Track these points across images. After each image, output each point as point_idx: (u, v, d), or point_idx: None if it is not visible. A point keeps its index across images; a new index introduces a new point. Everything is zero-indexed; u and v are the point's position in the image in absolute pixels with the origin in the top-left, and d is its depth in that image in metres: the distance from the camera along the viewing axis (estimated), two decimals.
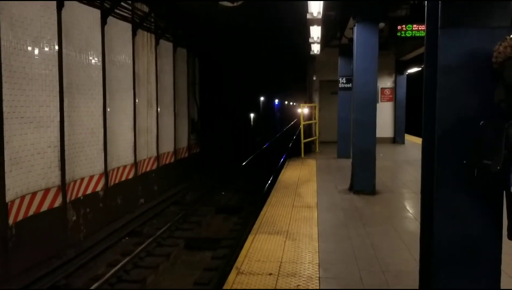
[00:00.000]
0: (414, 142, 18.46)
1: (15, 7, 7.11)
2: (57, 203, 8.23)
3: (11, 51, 7.02)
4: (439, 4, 2.80)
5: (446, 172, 2.78)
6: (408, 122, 18.27)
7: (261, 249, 5.34)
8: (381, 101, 17.69)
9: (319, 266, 4.79)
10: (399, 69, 17.85)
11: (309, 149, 15.43)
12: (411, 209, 7.44)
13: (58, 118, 8.21)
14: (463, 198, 2.78)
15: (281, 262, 4.89)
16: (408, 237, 5.77)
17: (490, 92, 2.65)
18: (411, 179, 10.17)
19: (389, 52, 16.48)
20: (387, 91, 17.91)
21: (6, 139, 6.86)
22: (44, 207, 7.89)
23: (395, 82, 17.98)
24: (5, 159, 6.84)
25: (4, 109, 6.80)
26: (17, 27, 7.18)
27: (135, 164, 11.66)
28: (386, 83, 17.80)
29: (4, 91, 6.80)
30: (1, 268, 6.76)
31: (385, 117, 17.43)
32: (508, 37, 2.59)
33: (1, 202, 6.73)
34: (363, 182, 8.49)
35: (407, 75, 18.24)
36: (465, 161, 2.69)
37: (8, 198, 6.90)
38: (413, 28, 8.21)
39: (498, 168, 2.45)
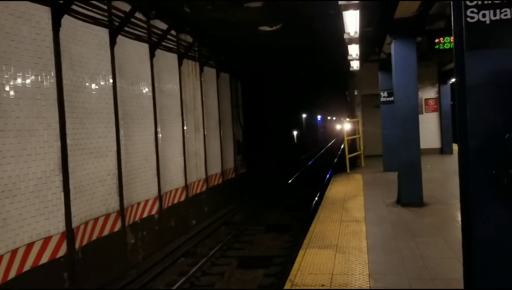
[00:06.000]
0: None
1: (74, 47, 7.80)
2: (117, 227, 8.77)
3: (72, 88, 7.67)
4: (463, 29, 3.05)
5: (480, 182, 3.00)
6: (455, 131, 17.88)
7: (312, 262, 5.55)
8: (425, 112, 17.53)
9: (369, 276, 4.94)
10: (443, 79, 17.67)
11: (355, 164, 15.45)
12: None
13: (115, 148, 8.82)
14: (496, 204, 2.97)
15: (332, 274, 5.08)
16: (458, 247, 5.70)
17: None
18: None
19: (431, 63, 16.36)
20: (431, 102, 17.73)
21: (70, 169, 7.45)
22: (106, 232, 8.44)
23: (439, 92, 17.79)
24: (70, 188, 7.43)
25: (68, 142, 7.41)
26: (76, 66, 7.86)
27: (186, 187, 12.16)
28: (430, 93, 17.64)
29: (67, 125, 7.41)
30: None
31: (431, 128, 17.23)
32: None
33: (68, 228, 7.29)
34: (411, 195, 8.53)
35: (451, 84, 17.98)
36: (494, 171, 2.90)
37: (74, 224, 7.46)
38: (451, 41, 8.22)
39: None
